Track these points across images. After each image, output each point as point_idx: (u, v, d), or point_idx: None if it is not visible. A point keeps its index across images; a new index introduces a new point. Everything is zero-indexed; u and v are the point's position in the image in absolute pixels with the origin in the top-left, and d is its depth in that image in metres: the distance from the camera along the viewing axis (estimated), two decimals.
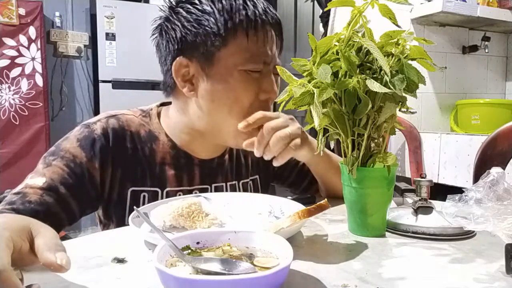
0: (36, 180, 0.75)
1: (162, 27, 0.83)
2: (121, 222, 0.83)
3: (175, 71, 0.81)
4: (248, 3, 0.79)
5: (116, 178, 0.82)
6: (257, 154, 0.74)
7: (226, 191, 0.92)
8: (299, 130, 0.75)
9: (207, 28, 0.77)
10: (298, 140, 0.74)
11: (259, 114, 0.75)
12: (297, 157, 0.84)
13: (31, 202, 0.71)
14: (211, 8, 0.78)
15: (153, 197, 0.84)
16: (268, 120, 0.74)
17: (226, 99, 0.79)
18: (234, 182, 0.94)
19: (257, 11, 0.79)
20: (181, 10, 0.80)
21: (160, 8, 0.85)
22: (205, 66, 0.79)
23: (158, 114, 0.90)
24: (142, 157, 0.84)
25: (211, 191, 0.89)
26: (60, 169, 0.77)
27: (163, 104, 0.93)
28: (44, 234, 0.45)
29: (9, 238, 0.42)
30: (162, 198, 0.84)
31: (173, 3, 0.83)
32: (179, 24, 0.80)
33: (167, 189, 0.85)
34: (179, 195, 0.85)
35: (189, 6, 0.80)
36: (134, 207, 0.57)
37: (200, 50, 0.79)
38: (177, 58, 0.80)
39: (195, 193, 0.87)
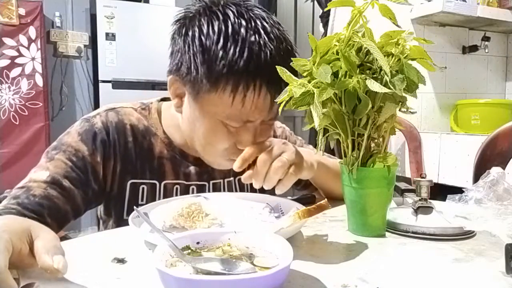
0: (39, 174, 0.75)
1: (182, 27, 0.76)
2: (120, 217, 0.84)
3: (169, 83, 0.79)
4: (258, 53, 0.70)
5: (116, 171, 0.83)
6: (256, 186, 0.70)
7: (224, 187, 0.92)
8: (294, 154, 0.72)
9: (198, 68, 0.72)
10: (297, 165, 0.71)
11: (251, 149, 0.71)
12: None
13: (36, 196, 0.72)
14: (212, 44, 0.70)
15: (152, 190, 0.85)
16: (261, 151, 0.70)
17: (202, 138, 0.78)
18: (231, 179, 0.94)
19: (259, 64, 0.70)
20: (195, 29, 0.73)
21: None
22: (191, 95, 0.76)
23: (158, 110, 0.90)
24: (141, 150, 0.85)
25: (209, 187, 0.90)
26: (63, 163, 0.77)
27: (164, 100, 0.93)
28: (44, 237, 0.45)
29: (8, 240, 0.42)
30: (160, 190, 0.85)
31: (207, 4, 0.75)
32: (187, 41, 0.73)
33: (165, 181, 0.86)
34: (177, 188, 0.86)
35: (200, 30, 0.72)
36: (134, 207, 0.57)
37: (190, 79, 0.74)
38: (172, 76, 0.78)
39: (193, 188, 0.88)
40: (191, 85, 0.75)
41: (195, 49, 0.72)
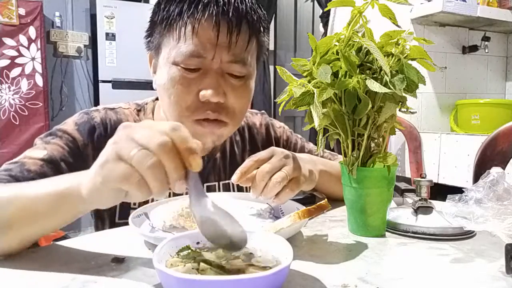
0: (36, 152, 0.72)
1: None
2: (113, 220, 0.82)
3: (149, 62, 0.84)
4: None
5: None
6: (253, 197, 0.69)
7: (219, 190, 0.91)
8: (294, 168, 0.68)
9: (154, 17, 0.78)
10: (296, 180, 0.68)
11: (250, 161, 0.68)
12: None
13: (31, 171, 0.68)
14: None
15: None
16: (261, 163, 0.67)
17: (166, 97, 0.76)
18: (227, 181, 0.92)
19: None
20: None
21: None
22: (156, 57, 0.79)
23: (152, 109, 0.90)
24: None
25: None
26: (60, 147, 0.75)
27: (158, 99, 0.92)
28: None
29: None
30: None
31: None
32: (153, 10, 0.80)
33: None
34: (169, 192, 0.84)
35: None
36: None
37: (153, 40, 0.79)
38: (149, 52, 0.83)
39: (187, 191, 0.86)
40: (155, 47, 0.79)
41: (155, 9, 0.78)
